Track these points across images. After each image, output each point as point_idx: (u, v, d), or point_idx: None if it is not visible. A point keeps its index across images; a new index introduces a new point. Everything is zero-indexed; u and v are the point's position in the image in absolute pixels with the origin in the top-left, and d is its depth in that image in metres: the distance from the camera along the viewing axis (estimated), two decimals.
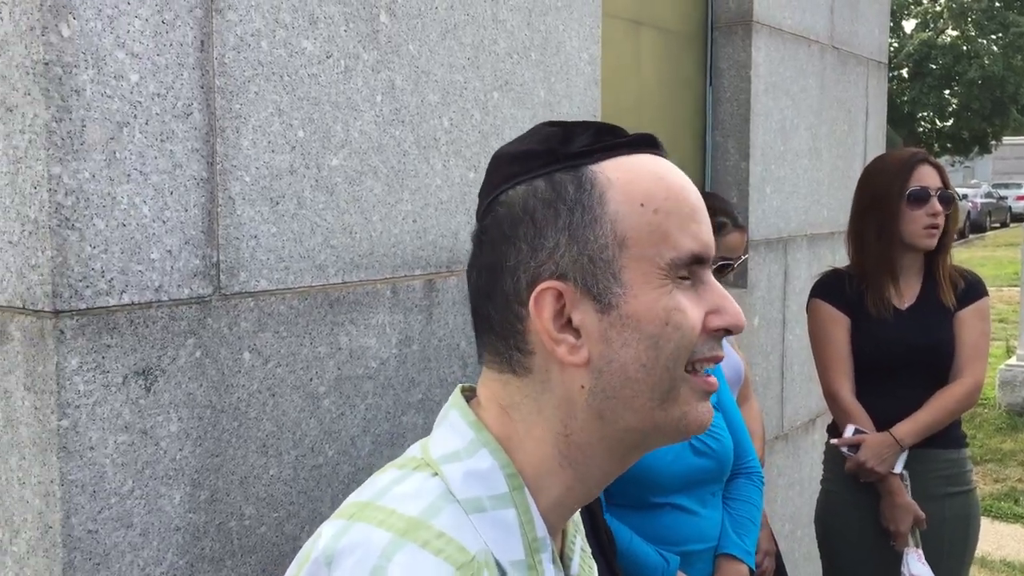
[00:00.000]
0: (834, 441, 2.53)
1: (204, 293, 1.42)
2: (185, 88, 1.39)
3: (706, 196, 2.51)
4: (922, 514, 2.42)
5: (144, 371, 1.33)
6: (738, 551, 1.92)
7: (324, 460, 1.64)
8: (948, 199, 2.51)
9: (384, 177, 1.76)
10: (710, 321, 0.79)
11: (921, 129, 37.47)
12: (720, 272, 2.39)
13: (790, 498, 3.67)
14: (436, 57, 1.91)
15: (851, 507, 2.55)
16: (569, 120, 0.83)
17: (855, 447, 2.46)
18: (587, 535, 1.52)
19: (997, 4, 34.60)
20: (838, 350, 2.55)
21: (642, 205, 0.77)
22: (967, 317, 2.52)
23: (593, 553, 1.51)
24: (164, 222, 1.36)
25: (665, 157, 0.82)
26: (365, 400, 1.72)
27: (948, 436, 2.51)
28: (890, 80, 36.31)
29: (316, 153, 1.61)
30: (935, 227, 2.49)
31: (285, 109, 1.55)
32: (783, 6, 3.37)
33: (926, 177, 2.50)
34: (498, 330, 0.80)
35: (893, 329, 2.51)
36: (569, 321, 0.77)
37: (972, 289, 2.55)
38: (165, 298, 1.36)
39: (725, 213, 2.41)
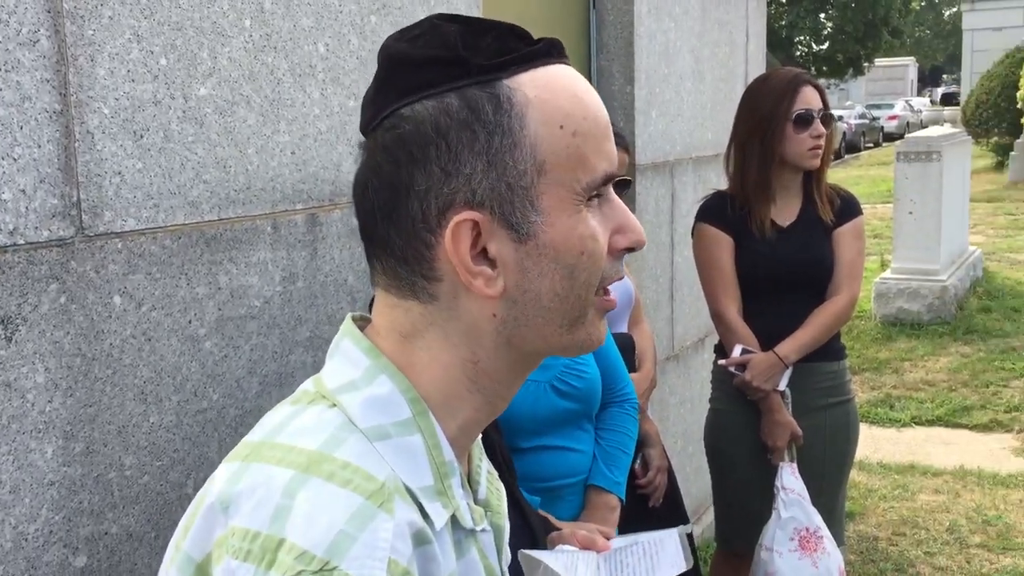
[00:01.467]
0: (722, 362, 2.59)
1: (65, 235, 1.33)
2: (29, 12, 1.28)
3: None
4: (799, 431, 2.51)
5: (3, 320, 1.25)
6: (606, 482, 1.94)
7: (209, 404, 1.58)
8: (828, 119, 2.57)
9: (258, 107, 1.67)
10: (616, 241, 0.78)
11: (798, 53, 38.33)
12: (619, 188, 2.39)
13: (682, 416, 3.77)
14: None
15: (737, 424, 2.63)
16: (463, 15, 0.78)
17: (742, 366, 2.52)
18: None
19: None
20: (723, 271, 2.60)
21: (561, 127, 0.74)
22: (844, 235, 2.59)
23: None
24: (15, 159, 1.26)
25: (569, 65, 0.79)
26: (249, 341, 1.66)
27: (828, 349, 2.60)
28: (768, 4, 36.88)
29: (181, 82, 1.52)
30: (818, 148, 2.53)
31: (144, 35, 1.45)
32: None
33: (809, 99, 2.53)
34: (400, 254, 0.76)
35: (775, 248, 2.56)
36: (484, 252, 0.74)
37: (848, 208, 2.63)
38: (21, 241, 1.27)
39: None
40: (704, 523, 3.88)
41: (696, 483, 3.81)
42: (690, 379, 3.85)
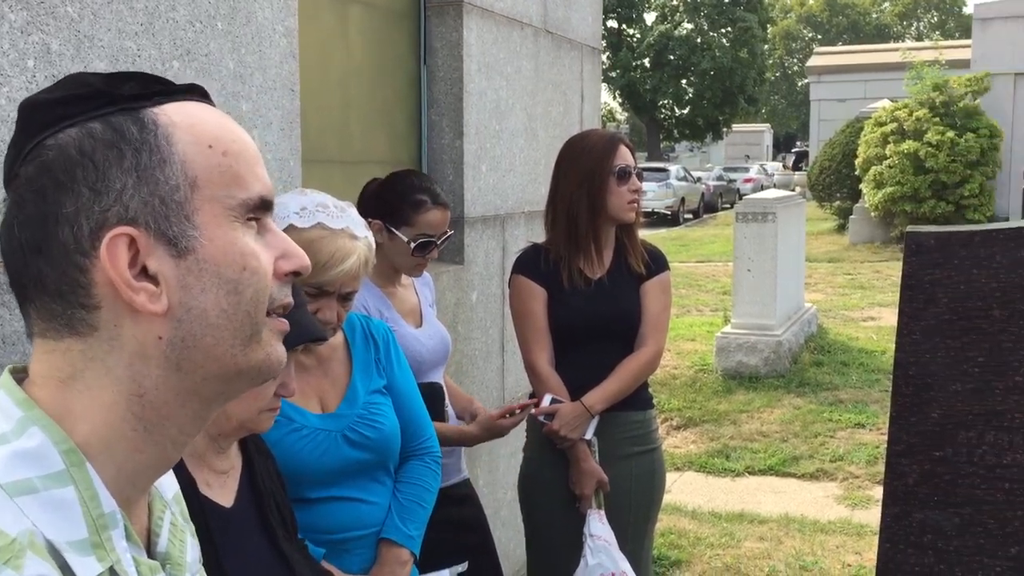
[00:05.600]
0: (531, 411, 2.64)
1: None
2: None
3: (407, 173, 2.53)
4: (605, 478, 2.58)
5: None
6: (399, 536, 1.93)
7: None
8: (641, 176, 2.70)
9: None
10: (280, 266, 0.80)
11: (662, 116, 39.98)
12: (423, 250, 2.41)
13: (512, 467, 3.80)
14: (101, 22, 1.80)
15: (547, 472, 2.68)
16: (107, 72, 0.80)
17: (551, 415, 2.58)
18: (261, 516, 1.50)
19: (726, 1, 37.43)
20: (536, 323, 2.66)
21: (210, 147, 0.77)
22: (652, 288, 2.70)
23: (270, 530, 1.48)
24: None
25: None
26: None
27: (635, 399, 2.68)
28: (633, 69, 38.39)
29: None
30: (635, 201, 2.65)
31: None
32: None
33: (626, 156, 2.65)
34: (53, 288, 0.75)
35: (588, 300, 2.65)
36: (144, 269, 0.75)
37: (656, 262, 2.74)
38: None
39: (425, 190, 2.43)
40: None
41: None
42: (521, 430, 3.89)
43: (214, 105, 0.82)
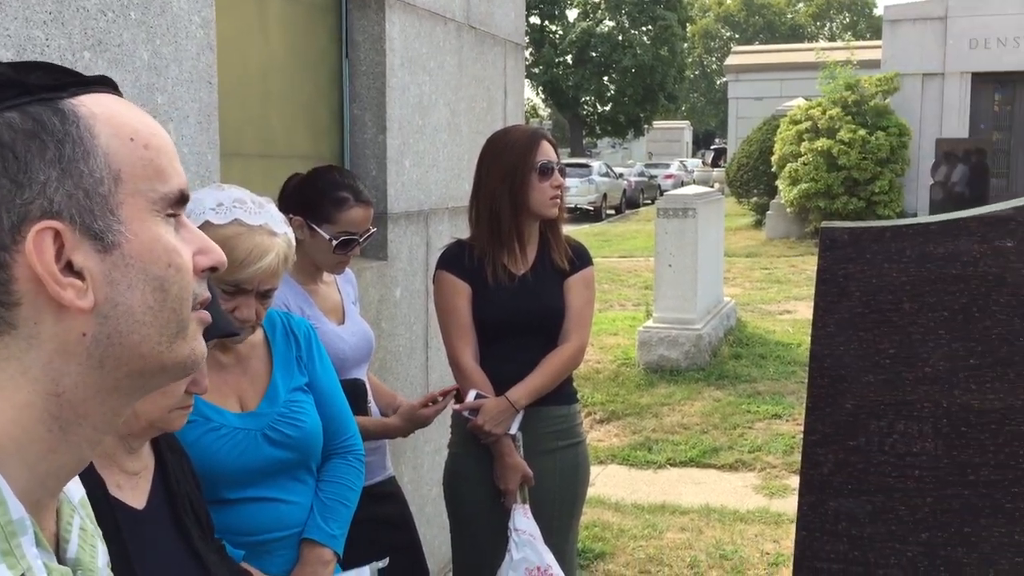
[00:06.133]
0: (455, 407, 2.64)
1: None
2: None
3: (329, 169, 2.50)
4: (530, 472, 2.59)
5: None
6: (321, 536, 1.90)
7: None
8: (564, 172, 2.71)
9: None
10: (197, 262, 0.80)
11: (585, 112, 40.31)
12: (345, 248, 2.38)
13: (437, 463, 3.79)
14: (8, 9, 1.74)
15: (472, 468, 2.68)
16: (11, 61, 0.78)
17: (475, 411, 2.58)
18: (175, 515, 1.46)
19: None
20: (460, 319, 2.66)
21: (132, 139, 0.76)
22: (575, 284, 2.72)
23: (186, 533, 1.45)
24: None
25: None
26: None
27: (559, 393, 2.70)
28: (556, 66, 38.62)
29: None
30: (558, 197, 2.65)
31: None
32: None
33: (548, 152, 2.66)
34: None
35: (512, 296, 2.65)
36: (69, 264, 0.72)
37: (579, 258, 2.76)
38: None
39: (347, 187, 2.40)
40: None
41: None
42: (446, 426, 3.88)
43: (123, 98, 0.80)
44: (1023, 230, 1.97)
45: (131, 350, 0.75)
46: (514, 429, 2.59)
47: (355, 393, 2.33)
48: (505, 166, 2.64)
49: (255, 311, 1.81)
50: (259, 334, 1.96)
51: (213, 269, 0.81)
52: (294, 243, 1.89)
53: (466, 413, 2.59)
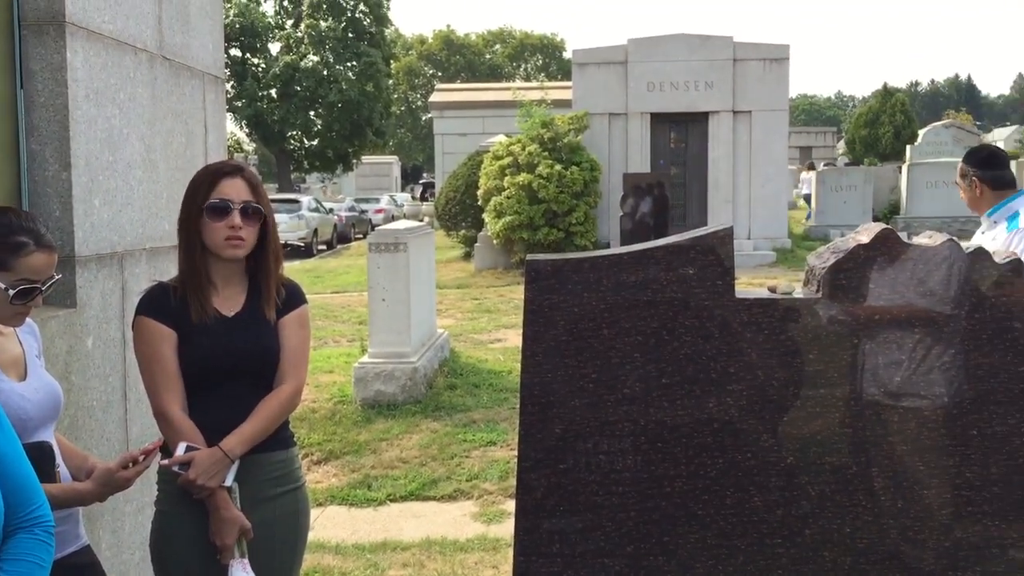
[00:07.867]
0: (164, 462, 2.47)
1: None
2: None
3: (4, 211, 2.26)
4: (248, 524, 2.47)
5: None
6: None
7: None
8: (253, 211, 2.57)
9: None
10: None
11: (291, 147, 39.65)
12: (24, 297, 2.16)
13: (140, 524, 3.52)
14: None
15: (184, 525, 2.52)
16: None
17: (186, 464, 2.43)
18: None
19: (351, 35, 38.08)
20: (165, 367, 2.50)
21: None
22: (289, 324, 2.64)
23: None
24: None
25: None
26: None
27: (276, 439, 2.61)
28: (260, 99, 37.70)
29: None
30: (236, 239, 2.53)
31: None
32: (101, 9, 3.21)
33: (226, 190, 2.54)
34: None
35: (219, 338, 2.53)
36: None
37: (292, 297, 2.68)
38: None
39: (27, 232, 2.19)
40: None
41: None
42: (150, 483, 3.62)
43: None
44: (702, 258, 2.17)
45: None
46: (229, 481, 2.46)
47: (41, 458, 2.11)
48: (185, 205, 2.60)
49: None
50: None
51: None
52: None
53: (176, 468, 2.43)
